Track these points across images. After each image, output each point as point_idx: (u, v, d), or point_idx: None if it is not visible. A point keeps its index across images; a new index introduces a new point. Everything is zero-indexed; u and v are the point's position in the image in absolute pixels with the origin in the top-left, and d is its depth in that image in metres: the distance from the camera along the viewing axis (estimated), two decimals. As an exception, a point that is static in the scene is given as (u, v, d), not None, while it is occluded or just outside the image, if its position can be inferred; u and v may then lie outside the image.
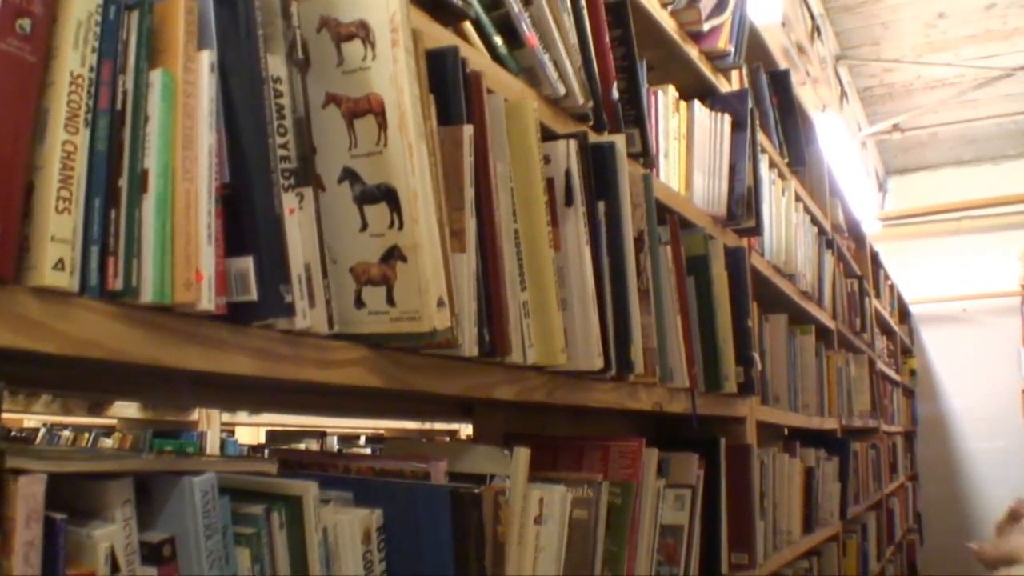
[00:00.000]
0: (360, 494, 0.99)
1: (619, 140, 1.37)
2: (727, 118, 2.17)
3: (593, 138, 1.39)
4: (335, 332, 0.92)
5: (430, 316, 0.91)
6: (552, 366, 1.22)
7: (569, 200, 1.23)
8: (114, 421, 3.54)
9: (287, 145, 0.87)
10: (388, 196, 0.93)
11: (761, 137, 2.62)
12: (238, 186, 0.81)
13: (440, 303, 0.92)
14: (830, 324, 3.65)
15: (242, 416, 3.60)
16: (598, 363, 1.25)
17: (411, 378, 1.01)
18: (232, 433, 4.62)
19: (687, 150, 2.03)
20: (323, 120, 0.96)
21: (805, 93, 5.01)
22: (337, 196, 0.96)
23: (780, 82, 3.02)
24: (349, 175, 0.95)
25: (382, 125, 0.93)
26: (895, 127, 7.47)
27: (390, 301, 0.93)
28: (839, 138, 5.87)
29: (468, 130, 1.01)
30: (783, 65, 3.15)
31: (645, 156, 1.65)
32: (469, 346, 1.00)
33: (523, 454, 1.17)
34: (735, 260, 2.01)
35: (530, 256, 1.17)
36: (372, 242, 0.94)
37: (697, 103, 2.10)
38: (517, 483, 1.17)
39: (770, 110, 2.89)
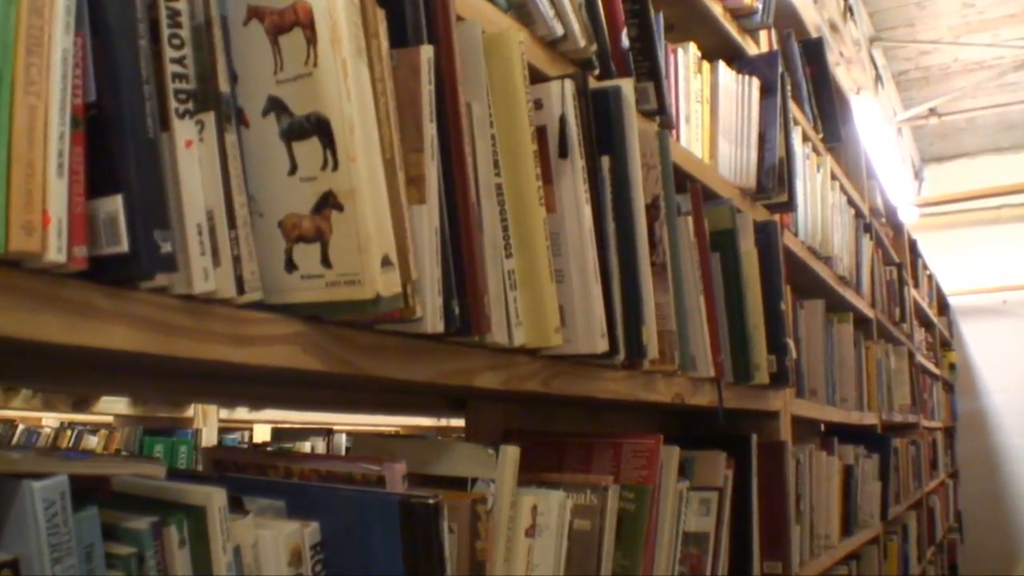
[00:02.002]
0: (296, 503, 0.80)
1: (626, 84, 1.17)
2: (755, 82, 1.96)
3: (596, 84, 1.19)
4: (256, 300, 0.73)
5: (372, 279, 0.72)
6: (546, 348, 1.02)
7: (563, 151, 1.03)
8: (110, 418, 3.36)
9: (183, 60, 0.68)
10: (320, 129, 0.73)
11: (793, 108, 2.41)
12: (106, 106, 0.62)
13: (385, 263, 0.73)
14: (869, 313, 3.42)
15: (241, 412, 3.41)
16: (601, 345, 1.05)
17: (362, 361, 0.82)
18: (245, 430, 4.43)
19: (711, 115, 1.82)
20: (245, 40, 0.77)
21: (839, 75, 4.77)
22: (262, 133, 0.77)
23: (813, 51, 2.80)
24: (275, 105, 0.76)
25: (311, 40, 0.74)
26: (931, 111, 7.20)
27: (325, 262, 0.74)
28: (874, 123, 5.63)
29: (426, 51, 0.81)
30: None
31: (661, 114, 1.45)
32: (432, 320, 0.80)
33: (511, 454, 0.98)
34: (766, 235, 1.80)
35: (516, 216, 0.97)
36: (303, 188, 0.75)
37: (722, 64, 1.89)
38: (504, 488, 0.97)
39: (803, 81, 2.67)
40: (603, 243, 1.08)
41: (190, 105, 0.68)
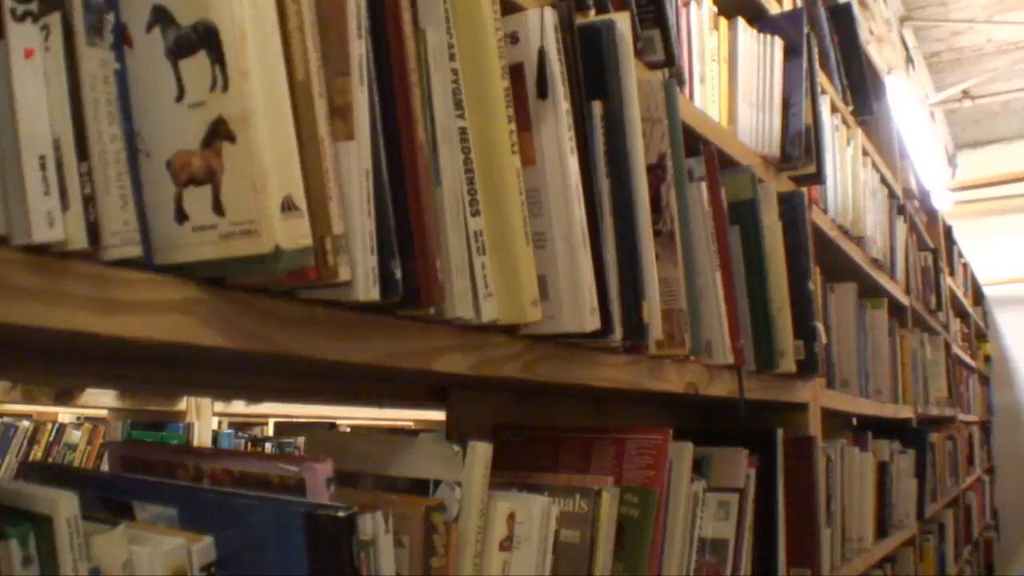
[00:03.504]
0: (191, 512, 0.64)
1: (621, 19, 1.00)
2: (778, 42, 1.79)
3: (585, 20, 1.02)
4: (133, 257, 0.57)
5: (271, 228, 0.56)
6: (523, 326, 0.86)
7: (542, 91, 0.86)
8: (104, 412, 3.20)
9: (18, -56, 0.52)
10: (207, 39, 0.58)
11: (821, 77, 2.23)
12: None
13: (288, 207, 0.57)
14: (903, 299, 3.23)
15: (238, 406, 3.26)
16: (591, 323, 0.88)
17: (282, 336, 0.66)
18: (260, 424, 4.23)
19: (729, 76, 1.65)
20: (126, -64, 0.61)
21: (869, 54, 4.56)
22: (148, 53, 0.61)
23: (842, 18, 2.62)
24: (159, 17, 0.60)
25: (197, -75, 0.58)
26: (965, 94, 6.96)
27: (217, 208, 0.58)
28: (906, 105, 5.40)
29: (353, -53, 0.65)
30: (844, 9, 2.74)
31: (669, 67, 1.28)
32: (364, 285, 0.64)
33: (480, 451, 0.82)
34: (791, 208, 1.62)
35: (484, 167, 0.81)
36: (191, 117, 0.59)
37: (741, 21, 1.72)
38: (472, 493, 0.81)
39: (831, 49, 2.49)
40: (594, 202, 0.92)
41: (32, 6, 0.53)
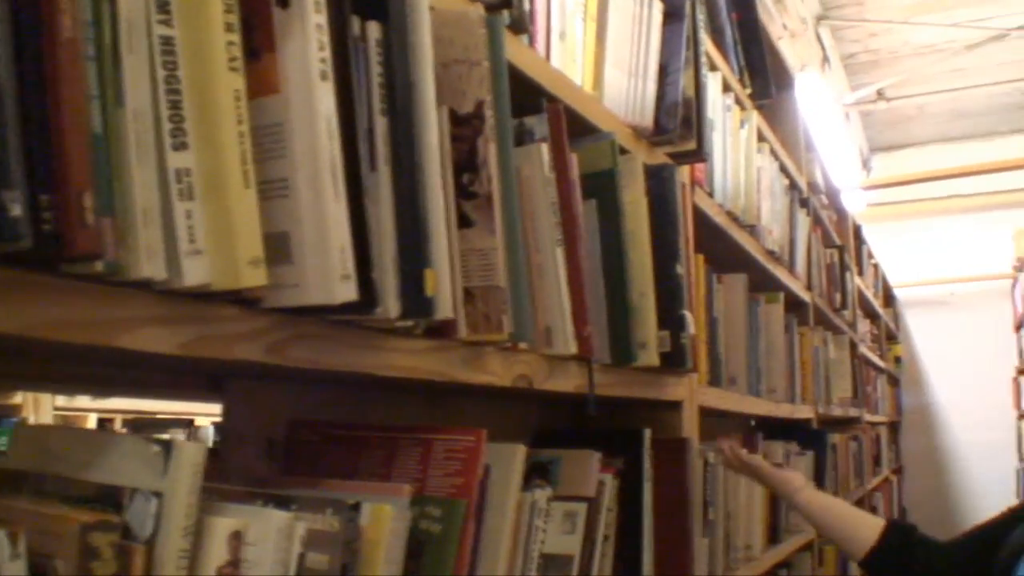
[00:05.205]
0: None
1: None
2: (656, 3, 1.63)
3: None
4: None
5: None
6: (257, 296, 0.68)
7: (284, -5, 0.68)
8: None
9: None
10: None
11: (715, 54, 2.09)
12: None
13: None
14: (804, 296, 3.11)
15: (84, 401, 3.00)
16: (342, 293, 0.70)
17: None
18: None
19: (597, 35, 1.49)
20: None
21: (782, 49, 4.46)
22: None
23: (741, -3, 2.48)
24: None
25: None
26: (879, 94, 6.93)
27: None
28: (819, 102, 5.33)
29: None
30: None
31: (507, 7, 1.11)
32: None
33: (187, 454, 0.63)
34: (660, 182, 1.46)
35: (197, 90, 0.62)
36: None
37: (614, -22, 1.55)
38: (174, 507, 0.63)
39: (728, 27, 2.35)
40: (357, 144, 0.74)
41: None
